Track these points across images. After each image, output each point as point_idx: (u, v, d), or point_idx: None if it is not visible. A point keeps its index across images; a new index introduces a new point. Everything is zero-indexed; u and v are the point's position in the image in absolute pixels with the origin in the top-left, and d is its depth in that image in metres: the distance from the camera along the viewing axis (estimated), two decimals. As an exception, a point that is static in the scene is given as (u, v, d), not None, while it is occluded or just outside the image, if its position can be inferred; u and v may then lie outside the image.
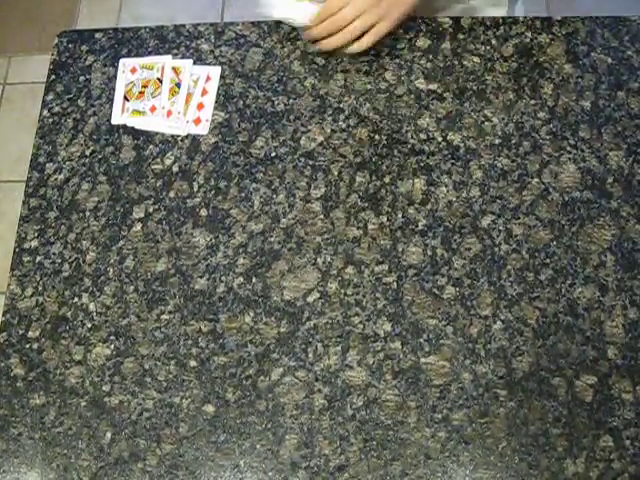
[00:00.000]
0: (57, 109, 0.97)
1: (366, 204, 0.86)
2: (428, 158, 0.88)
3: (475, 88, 0.91)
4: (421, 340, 0.80)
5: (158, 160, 0.92)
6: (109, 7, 2.23)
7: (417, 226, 0.85)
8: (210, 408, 0.79)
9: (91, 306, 0.85)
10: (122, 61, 0.98)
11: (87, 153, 0.93)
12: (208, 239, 0.87)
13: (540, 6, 2.03)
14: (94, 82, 0.98)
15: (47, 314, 0.86)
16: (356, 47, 0.91)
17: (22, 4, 2.29)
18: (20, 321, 0.86)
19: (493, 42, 0.93)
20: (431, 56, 0.93)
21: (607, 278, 0.81)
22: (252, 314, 0.83)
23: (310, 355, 0.80)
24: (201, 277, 0.85)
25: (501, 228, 0.84)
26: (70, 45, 1.01)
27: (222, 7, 2.16)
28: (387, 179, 0.87)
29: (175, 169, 0.91)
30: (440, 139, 0.89)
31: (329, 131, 0.91)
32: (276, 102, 0.93)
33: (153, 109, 0.94)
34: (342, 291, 0.82)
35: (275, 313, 0.82)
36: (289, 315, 0.82)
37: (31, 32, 2.21)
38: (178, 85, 0.95)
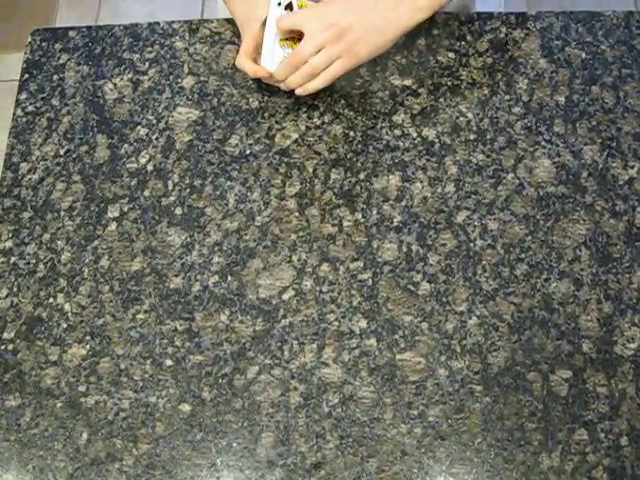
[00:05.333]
0: (31, 108, 0.96)
1: (341, 201, 0.86)
2: (403, 154, 0.88)
3: (450, 84, 0.91)
4: (396, 337, 0.80)
5: (133, 159, 0.91)
6: (88, 5, 2.21)
7: (392, 222, 0.85)
8: (186, 407, 0.79)
9: (66, 306, 0.85)
10: None
11: (61, 152, 0.93)
12: (183, 238, 0.86)
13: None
14: (68, 81, 0.97)
15: (22, 315, 0.85)
16: (309, 87, 0.85)
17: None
18: (-6, 322, 0.85)
19: (468, 37, 0.93)
20: (406, 52, 0.93)
21: (582, 272, 0.81)
22: (227, 312, 0.82)
23: (286, 353, 0.80)
24: (176, 276, 0.85)
25: (476, 224, 0.84)
26: (44, 43, 1.00)
27: (202, 3, 2.15)
28: (362, 176, 0.87)
29: (150, 168, 0.91)
30: (415, 135, 0.89)
31: (304, 128, 0.90)
32: (250, 99, 0.93)
33: None
34: (317, 288, 0.82)
35: (250, 311, 0.82)
36: (264, 313, 0.82)
37: (8, 29, 2.19)
38: None
